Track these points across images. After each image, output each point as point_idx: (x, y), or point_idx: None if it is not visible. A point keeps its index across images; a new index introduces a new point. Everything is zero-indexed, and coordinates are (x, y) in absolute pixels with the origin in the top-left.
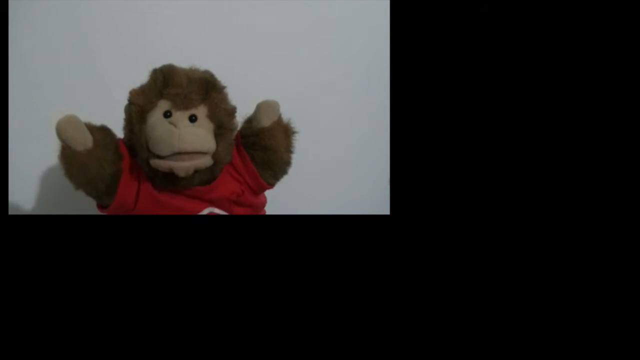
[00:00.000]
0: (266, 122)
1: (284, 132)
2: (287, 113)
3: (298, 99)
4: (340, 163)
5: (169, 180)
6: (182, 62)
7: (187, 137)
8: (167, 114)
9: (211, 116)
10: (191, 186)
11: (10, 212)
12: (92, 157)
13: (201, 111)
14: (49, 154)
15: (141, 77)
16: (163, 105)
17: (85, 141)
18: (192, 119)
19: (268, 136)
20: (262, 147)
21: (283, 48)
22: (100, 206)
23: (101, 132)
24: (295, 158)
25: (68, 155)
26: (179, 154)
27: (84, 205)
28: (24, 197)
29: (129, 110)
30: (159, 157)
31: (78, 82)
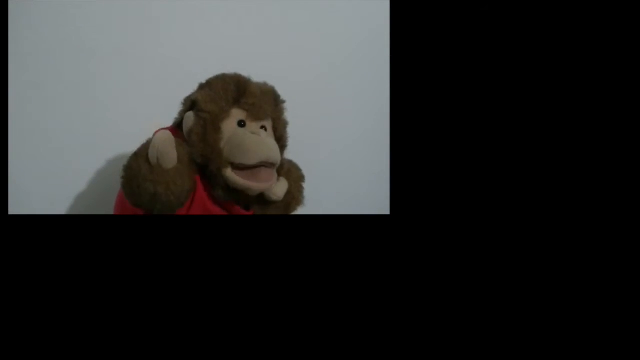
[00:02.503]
0: (278, 199)
1: (286, 206)
2: (288, 113)
3: (298, 99)
4: (340, 163)
5: (229, 193)
6: (182, 61)
7: (274, 149)
8: (241, 124)
9: (275, 128)
10: (248, 200)
11: (11, 212)
12: (177, 173)
13: (268, 123)
14: (49, 153)
15: (141, 78)
16: (237, 114)
17: (175, 157)
18: (264, 129)
19: (275, 209)
20: (280, 205)
21: (283, 48)
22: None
23: (179, 146)
24: (296, 158)
25: (157, 173)
26: (262, 165)
27: (84, 205)
28: (24, 197)
29: (198, 118)
30: (238, 166)
31: (78, 82)
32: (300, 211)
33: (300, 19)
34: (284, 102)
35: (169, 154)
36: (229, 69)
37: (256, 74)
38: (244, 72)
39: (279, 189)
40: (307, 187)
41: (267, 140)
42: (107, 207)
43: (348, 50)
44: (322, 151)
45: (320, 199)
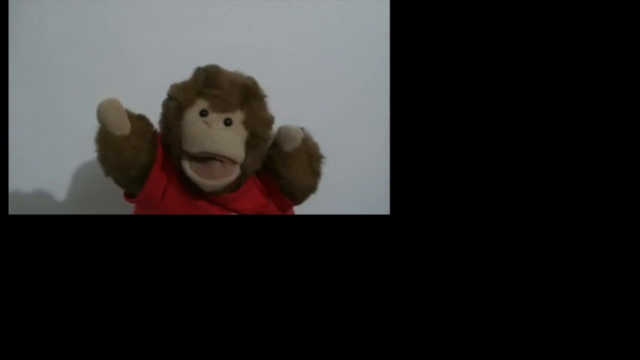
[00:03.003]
0: (287, 148)
1: (307, 158)
2: (288, 113)
3: (298, 99)
4: (340, 163)
5: (196, 185)
6: (182, 61)
7: (220, 140)
8: (203, 113)
9: (246, 123)
10: (217, 193)
11: (10, 212)
12: (128, 144)
13: (237, 116)
14: (50, 153)
15: (141, 77)
16: (201, 104)
17: (123, 126)
18: (227, 122)
19: (282, 165)
20: (278, 174)
21: (283, 48)
22: (128, 196)
23: (139, 121)
24: None
25: (105, 138)
26: (210, 158)
27: (84, 205)
28: (24, 197)
29: (167, 105)
30: (189, 155)
31: (78, 82)
32: (301, 211)
33: (300, 19)
34: (264, 97)
35: (111, 119)
36: (229, 68)
37: (256, 74)
38: (244, 72)
39: (291, 128)
40: None
41: (217, 132)
42: (107, 207)
43: (348, 50)
44: (322, 151)
45: (321, 199)
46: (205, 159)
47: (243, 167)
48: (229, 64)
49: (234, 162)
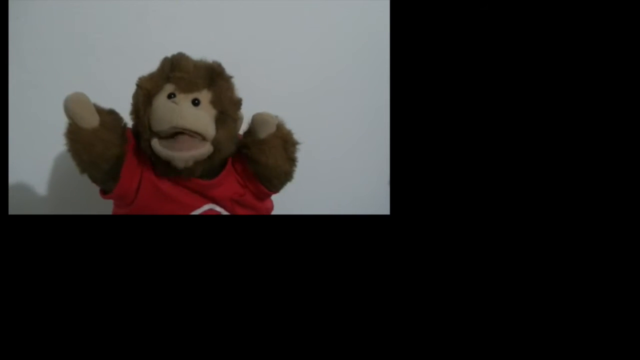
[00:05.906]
0: (261, 134)
1: (282, 144)
2: (288, 113)
3: (298, 99)
4: (340, 163)
5: (170, 168)
6: None
7: (187, 116)
8: (170, 96)
9: (214, 102)
10: (193, 175)
11: (10, 212)
12: (97, 137)
13: (205, 96)
14: (49, 153)
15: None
16: (168, 88)
17: (91, 120)
18: (195, 102)
19: (258, 151)
20: (253, 160)
21: (283, 48)
22: (103, 192)
23: (109, 115)
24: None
25: (74, 132)
26: (179, 134)
27: (84, 205)
28: (24, 197)
29: (136, 94)
30: (159, 136)
31: (78, 82)
32: (301, 211)
33: (300, 19)
34: (230, 77)
35: (78, 112)
36: (229, 68)
37: (256, 74)
38: (244, 72)
39: (265, 114)
40: (308, 187)
41: (185, 109)
42: (106, 207)
43: (348, 50)
44: (322, 151)
45: (321, 199)
46: (174, 134)
47: (215, 142)
48: (229, 64)
49: (203, 138)
